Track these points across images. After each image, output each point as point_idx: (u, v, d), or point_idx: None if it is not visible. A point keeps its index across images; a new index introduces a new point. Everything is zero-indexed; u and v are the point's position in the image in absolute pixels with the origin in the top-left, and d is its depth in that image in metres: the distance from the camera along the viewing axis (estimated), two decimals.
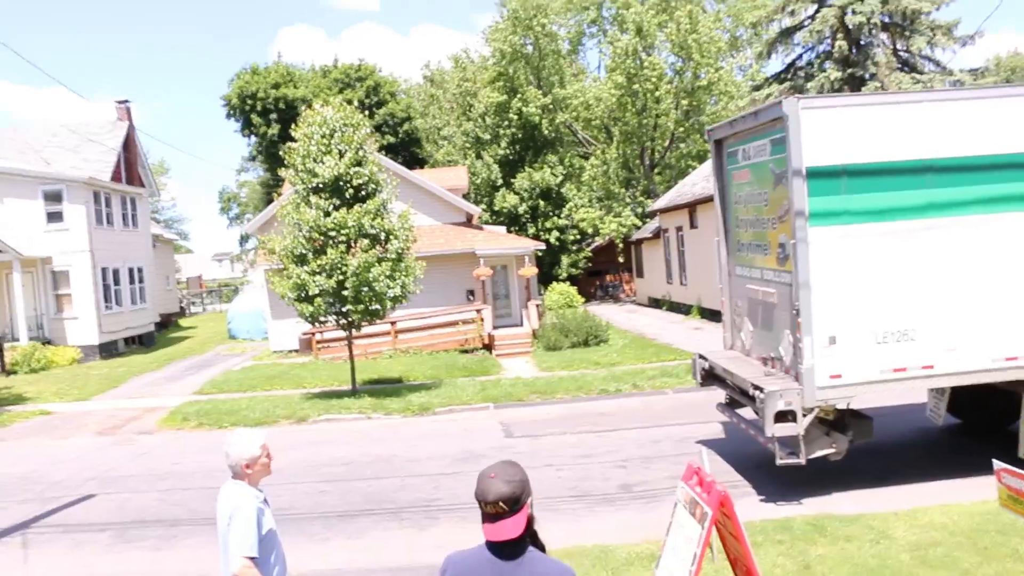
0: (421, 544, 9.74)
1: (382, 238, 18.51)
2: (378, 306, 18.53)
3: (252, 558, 4.90)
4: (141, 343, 34.94)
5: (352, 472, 13.36)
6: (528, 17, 42.74)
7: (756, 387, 10.16)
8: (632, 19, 39.78)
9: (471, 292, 28.36)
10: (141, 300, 35.65)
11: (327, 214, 18.13)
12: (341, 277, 17.89)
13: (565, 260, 43.62)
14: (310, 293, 18.03)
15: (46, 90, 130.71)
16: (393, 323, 26.45)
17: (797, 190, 9.87)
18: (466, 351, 25.93)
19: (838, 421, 10.53)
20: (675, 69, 41.37)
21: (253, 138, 51.86)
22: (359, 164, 18.66)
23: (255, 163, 58.44)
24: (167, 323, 43.84)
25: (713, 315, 29.66)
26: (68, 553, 10.16)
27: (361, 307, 18.21)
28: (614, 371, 20.21)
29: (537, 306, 28.64)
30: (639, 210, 42.11)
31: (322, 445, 15.33)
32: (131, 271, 34.63)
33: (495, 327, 27.21)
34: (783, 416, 9.90)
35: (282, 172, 19.22)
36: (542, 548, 3.67)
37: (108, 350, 31.49)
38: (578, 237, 44.47)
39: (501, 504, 3.43)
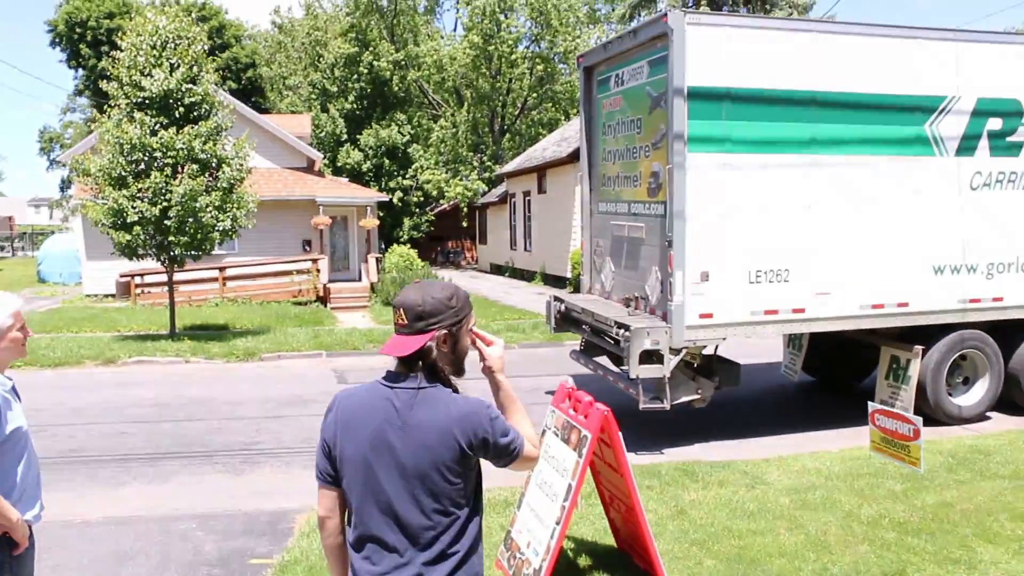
0: (237, 490, 8.41)
1: (213, 165, 16.72)
2: (205, 240, 16.75)
3: None
4: None
5: (161, 414, 11.77)
6: None
7: (620, 325, 9.32)
8: None
9: (307, 242, 26.67)
10: None
11: (153, 133, 16.18)
12: (165, 204, 16.01)
13: (407, 223, 42.18)
14: (128, 220, 16.04)
15: None
16: (221, 269, 24.52)
17: (677, 111, 9.05)
18: (300, 303, 24.29)
19: (704, 366, 9.84)
20: (532, 35, 40.56)
21: (81, 71, 47.73)
22: (193, 82, 16.78)
23: (82, 98, 53.88)
24: None
25: (556, 281, 29.14)
26: None
27: (185, 239, 16.38)
28: None
29: (377, 259, 27.22)
30: (486, 175, 41.20)
31: (130, 387, 13.58)
32: None
33: (332, 280, 25.64)
34: (648, 357, 9.10)
35: (104, 85, 17.06)
36: None
37: None
38: (422, 200, 43.09)
39: (403, 314, 2.84)
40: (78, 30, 45.79)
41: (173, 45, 16.69)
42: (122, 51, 16.80)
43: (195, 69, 16.84)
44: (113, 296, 26.15)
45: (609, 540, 6.23)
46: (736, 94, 9.29)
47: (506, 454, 2.85)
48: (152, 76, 16.29)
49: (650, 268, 9.83)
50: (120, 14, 45.54)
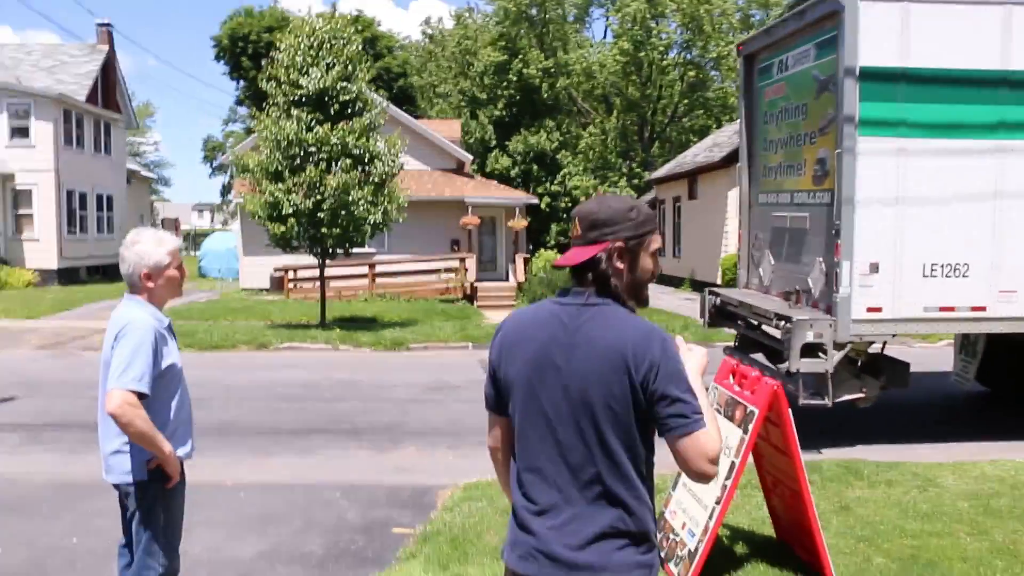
0: (381, 465, 8.40)
1: (366, 160, 17.03)
2: (356, 233, 17.06)
3: (140, 395, 3.49)
4: (105, 275, 33.02)
5: (310, 393, 11.98)
6: None
7: (781, 317, 8.82)
8: None
9: (456, 242, 26.92)
10: (108, 230, 33.82)
11: (309, 129, 16.62)
12: (319, 198, 16.41)
13: (554, 228, 42.14)
14: (283, 212, 16.53)
15: (25, 33, 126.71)
16: (371, 265, 25.04)
17: (848, 92, 8.50)
18: (447, 301, 24.51)
19: (869, 364, 9.22)
20: (684, 41, 39.90)
21: (242, 82, 50.02)
22: (347, 80, 17.16)
23: (243, 108, 56.45)
24: None
25: (705, 287, 28.33)
26: None
27: (337, 231, 16.72)
28: None
29: (525, 259, 27.20)
30: (635, 182, 40.73)
31: (281, 370, 13.91)
32: (100, 198, 32.83)
33: (479, 279, 25.75)
34: (810, 351, 8.58)
35: (263, 84, 17.66)
36: None
37: (69, 276, 29.78)
38: (570, 205, 42.92)
39: (578, 223, 2.58)
40: (240, 44, 48.06)
41: (329, 45, 17.12)
42: (280, 51, 17.34)
43: (350, 68, 17.23)
44: (268, 290, 27.08)
45: (768, 530, 5.82)
46: (913, 74, 8.67)
47: (676, 416, 2.36)
48: (309, 74, 16.73)
49: (813, 260, 9.29)
50: (279, 28, 47.47)
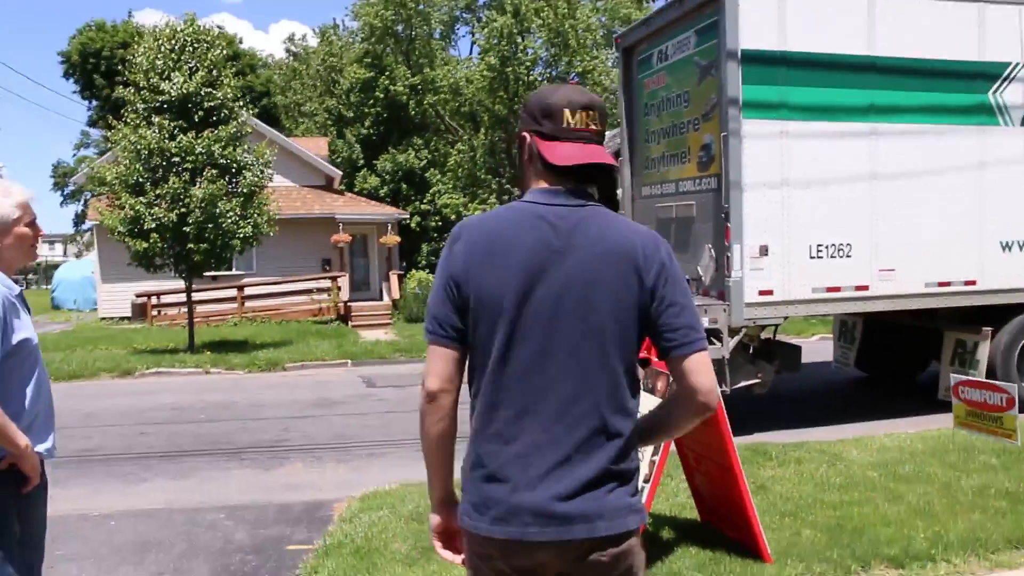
0: (265, 484, 7.80)
1: (233, 170, 16.25)
2: (225, 248, 16.23)
3: None
4: None
5: (181, 416, 11.19)
6: None
7: None
8: (510, 1, 38.39)
9: (327, 261, 26.14)
10: None
11: (171, 137, 15.73)
12: (183, 210, 15.52)
13: (425, 248, 41.55)
14: (146, 227, 15.55)
15: None
16: (240, 288, 24.01)
17: (731, 76, 8.52)
18: (321, 322, 23.69)
19: (762, 350, 9.19)
20: (550, 55, 40.20)
21: (95, 102, 47.61)
22: (211, 86, 16.36)
23: (95, 129, 53.73)
24: None
25: None
26: None
27: (205, 247, 15.84)
28: None
29: (399, 276, 26.64)
30: (505, 198, 40.70)
31: (147, 395, 13.02)
32: None
33: (352, 299, 25.06)
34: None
35: (120, 91, 16.66)
36: None
37: None
38: (440, 224, 42.57)
39: (595, 115, 2.17)
40: (92, 60, 45.63)
41: (192, 48, 16.30)
42: (139, 55, 16.42)
43: (214, 73, 16.43)
44: (129, 319, 25.61)
45: (690, 513, 5.57)
46: (791, 58, 8.79)
47: (687, 328, 2.08)
48: (171, 79, 15.88)
49: (702, 247, 9.21)
50: (134, 43, 45.48)
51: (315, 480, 7.85)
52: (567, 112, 2.13)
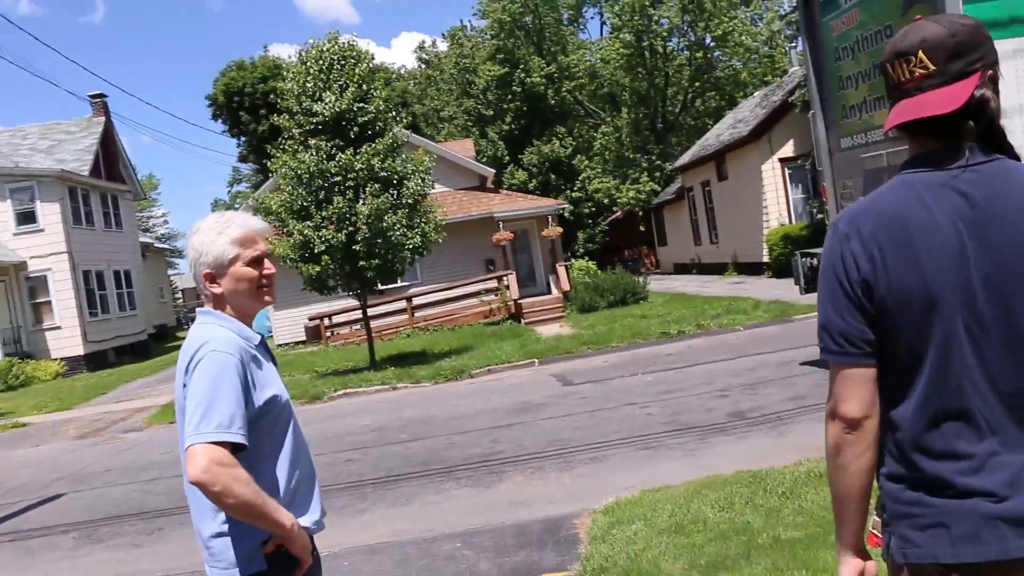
0: (490, 502, 7.29)
1: (395, 182, 16.05)
2: (396, 261, 16.04)
3: (234, 447, 2.38)
4: (134, 353, 32.00)
5: (383, 437, 10.91)
6: None
7: None
8: None
9: (491, 261, 25.88)
10: (131, 307, 32.82)
11: (330, 157, 15.66)
12: (351, 229, 15.42)
13: (581, 236, 41.09)
14: (316, 251, 15.53)
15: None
16: (408, 299, 24.04)
17: None
18: (493, 323, 23.45)
19: None
20: (687, 21, 38.82)
21: (242, 138, 49.32)
22: (363, 100, 16.20)
23: (245, 165, 55.79)
24: (163, 335, 41.31)
25: (752, 269, 27.27)
26: (14, 563, 7.58)
27: (376, 262, 15.69)
28: (666, 319, 17.67)
29: (566, 267, 26.10)
30: (657, 174, 39.64)
31: (341, 418, 12.87)
32: (117, 274, 31.71)
33: (521, 296, 24.66)
34: None
35: (275, 119, 16.75)
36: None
37: (96, 360, 28.59)
38: (593, 210, 41.91)
39: (925, 56, 1.78)
40: (236, 99, 47.23)
41: (339, 66, 16.18)
42: (289, 80, 16.44)
43: (364, 87, 16.27)
44: (304, 342, 26.14)
45: None
46: None
47: None
48: (323, 100, 15.80)
49: None
50: (272, 76, 46.75)
51: (542, 493, 7.32)
52: (889, 68, 1.87)
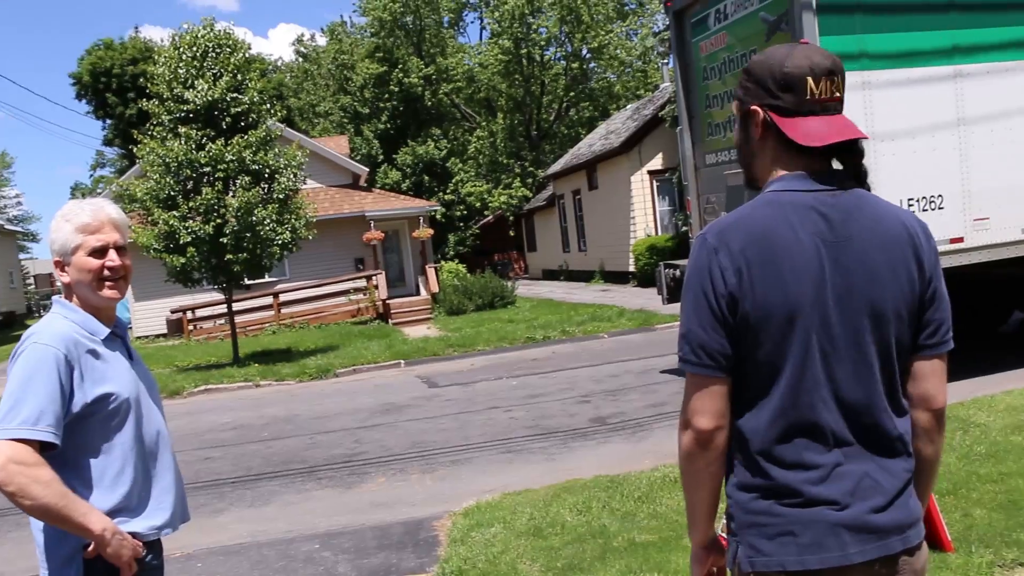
0: (351, 504, 7.30)
1: (266, 176, 15.76)
2: (265, 257, 15.77)
3: (36, 443, 2.29)
4: None
5: (243, 435, 10.74)
6: None
7: None
8: None
9: (360, 260, 25.70)
10: None
11: (200, 147, 15.25)
12: (219, 221, 15.07)
13: (452, 238, 41.23)
14: (181, 242, 15.11)
15: None
16: (275, 295, 23.62)
17: (807, 27, 7.98)
18: (360, 322, 23.30)
19: None
20: (565, 32, 39.46)
21: (108, 121, 47.35)
22: (237, 90, 15.85)
23: (110, 148, 53.48)
24: (10, 322, 39.26)
25: (618, 278, 27.92)
26: None
27: (244, 256, 15.38)
28: (533, 324, 17.95)
29: (436, 269, 26.15)
30: (529, 181, 40.13)
31: (201, 415, 12.58)
32: None
33: (390, 296, 24.58)
34: None
35: (144, 104, 16.19)
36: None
37: None
38: (465, 213, 42.10)
39: (839, 81, 1.91)
40: (103, 80, 45.32)
41: (214, 54, 15.79)
42: (160, 65, 15.94)
43: (239, 77, 15.93)
44: (165, 336, 25.34)
45: None
46: (868, 4, 8.26)
47: (947, 327, 1.95)
48: (195, 87, 15.38)
49: None
50: (143, 59, 45.05)
51: (404, 495, 7.37)
52: (810, 81, 1.87)
